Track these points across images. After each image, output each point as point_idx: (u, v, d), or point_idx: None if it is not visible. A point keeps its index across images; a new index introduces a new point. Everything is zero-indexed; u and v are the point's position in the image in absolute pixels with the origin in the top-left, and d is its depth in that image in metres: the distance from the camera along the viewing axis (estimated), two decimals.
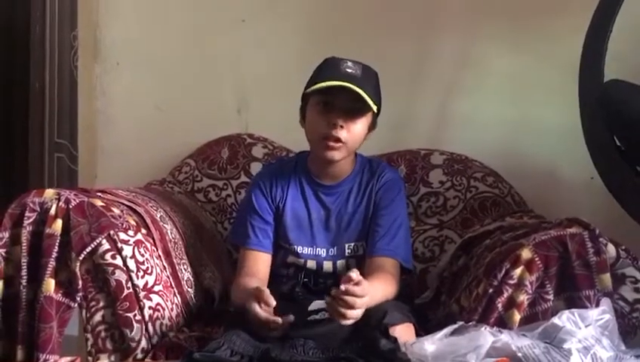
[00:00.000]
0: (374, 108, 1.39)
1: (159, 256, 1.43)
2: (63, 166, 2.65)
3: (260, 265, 1.45)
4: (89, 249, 1.29)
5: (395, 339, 1.18)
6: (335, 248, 1.48)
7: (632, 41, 1.71)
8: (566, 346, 1.11)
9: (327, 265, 1.47)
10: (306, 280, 1.47)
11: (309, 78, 1.45)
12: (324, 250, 1.48)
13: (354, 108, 1.38)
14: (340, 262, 1.48)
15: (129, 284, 1.31)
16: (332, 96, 1.38)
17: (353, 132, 1.40)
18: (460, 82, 1.96)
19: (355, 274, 1.18)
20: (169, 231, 1.52)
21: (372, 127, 1.47)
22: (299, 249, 1.48)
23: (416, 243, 1.73)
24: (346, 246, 1.48)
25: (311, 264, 1.47)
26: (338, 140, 1.39)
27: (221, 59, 2.09)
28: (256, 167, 1.88)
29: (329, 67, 1.42)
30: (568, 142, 1.73)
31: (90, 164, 2.20)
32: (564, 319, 1.16)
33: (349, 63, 1.40)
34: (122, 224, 1.36)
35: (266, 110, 2.04)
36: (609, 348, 1.14)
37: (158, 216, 1.53)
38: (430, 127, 1.98)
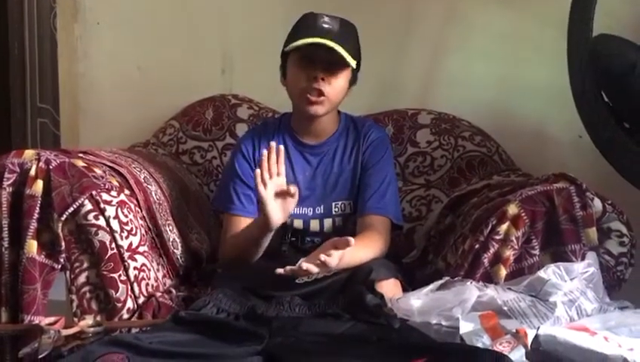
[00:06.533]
0: (353, 63, 1.39)
1: (143, 216, 1.41)
2: (47, 131, 2.62)
3: None
4: (71, 210, 1.28)
5: (382, 295, 1.18)
6: (322, 207, 1.47)
7: None
8: (551, 299, 1.12)
9: (314, 224, 1.47)
10: (293, 239, 1.46)
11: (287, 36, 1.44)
12: (311, 209, 1.47)
13: (333, 62, 1.38)
14: (327, 221, 1.47)
15: (113, 245, 1.30)
16: (311, 51, 1.37)
17: (334, 86, 1.40)
18: (448, 40, 1.93)
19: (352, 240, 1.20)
20: (153, 193, 1.50)
21: (353, 81, 1.46)
22: None
23: (403, 203, 1.72)
24: (333, 204, 1.47)
25: (298, 223, 1.47)
26: (320, 93, 1.39)
27: (205, 18, 2.04)
28: (241, 128, 1.86)
29: (306, 24, 1.41)
30: (557, 101, 1.71)
31: (73, 127, 2.16)
32: (550, 272, 1.17)
33: (326, 18, 1.40)
34: (104, 184, 1.34)
35: (250, 70, 2.00)
36: (593, 300, 1.16)
37: (142, 177, 1.50)
38: (417, 86, 1.96)
